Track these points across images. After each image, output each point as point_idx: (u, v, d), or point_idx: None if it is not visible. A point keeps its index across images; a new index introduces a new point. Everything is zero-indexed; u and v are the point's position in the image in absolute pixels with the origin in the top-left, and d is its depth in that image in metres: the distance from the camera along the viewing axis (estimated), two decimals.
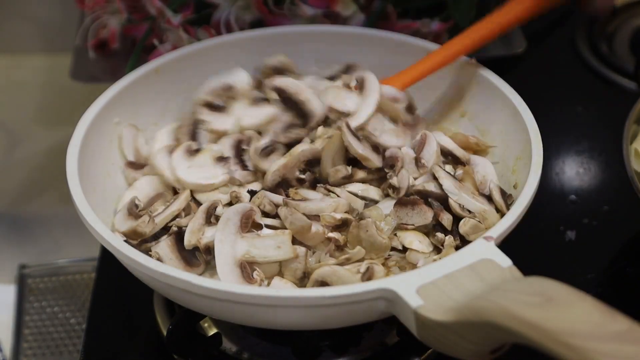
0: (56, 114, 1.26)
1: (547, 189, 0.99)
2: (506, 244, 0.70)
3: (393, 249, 0.77)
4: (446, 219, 0.77)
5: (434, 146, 0.83)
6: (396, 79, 0.90)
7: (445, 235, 0.77)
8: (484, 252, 0.66)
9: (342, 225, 0.77)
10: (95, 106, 0.86)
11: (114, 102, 0.87)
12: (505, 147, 0.85)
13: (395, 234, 0.78)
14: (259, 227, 0.76)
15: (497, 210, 0.79)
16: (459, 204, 0.78)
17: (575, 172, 1.03)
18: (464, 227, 0.76)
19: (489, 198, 0.80)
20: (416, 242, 0.77)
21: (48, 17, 1.31)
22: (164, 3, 1.03)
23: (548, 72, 1.18)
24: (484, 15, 0.91)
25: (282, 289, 0.72)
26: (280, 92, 0.88)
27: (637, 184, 0.81)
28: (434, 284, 0.64)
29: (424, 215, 0.78)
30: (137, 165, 0.88)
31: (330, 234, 0.76)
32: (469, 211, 0.78)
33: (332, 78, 0.92)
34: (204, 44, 0.96)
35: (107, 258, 0.89)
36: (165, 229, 0.79)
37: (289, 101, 0.87)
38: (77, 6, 1.13)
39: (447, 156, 0.85)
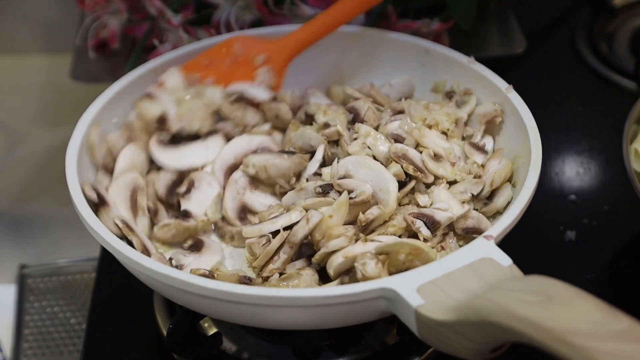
0: (56, 114, 1.26)
1: (547, 189, 0.99)
2: (506, 244, 0.70)
3: None
4: None
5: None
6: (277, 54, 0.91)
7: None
8: (484, 251, 0.66)
9: None
10: (95, 106, 0.86)
11: (113, 102, 0.87)
12: (504, 145, 0.85)
13: None
14: None
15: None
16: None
17: (575, 172, 1.02)
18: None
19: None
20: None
21: (48, 17, 1.31)
22: (164, 3, 1.03)
23: (548, 72, 1.18)
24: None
25: (282, 289, 0.72)
26: None
27: (637, 184, 0.81)
28: (434, 283, 0.64)
29: None
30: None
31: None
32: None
33: None
34: (204, 43, 0.95)
35: (107, 258, 0.89)
36: None
37: None
38: (77, 6, 1.13)
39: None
